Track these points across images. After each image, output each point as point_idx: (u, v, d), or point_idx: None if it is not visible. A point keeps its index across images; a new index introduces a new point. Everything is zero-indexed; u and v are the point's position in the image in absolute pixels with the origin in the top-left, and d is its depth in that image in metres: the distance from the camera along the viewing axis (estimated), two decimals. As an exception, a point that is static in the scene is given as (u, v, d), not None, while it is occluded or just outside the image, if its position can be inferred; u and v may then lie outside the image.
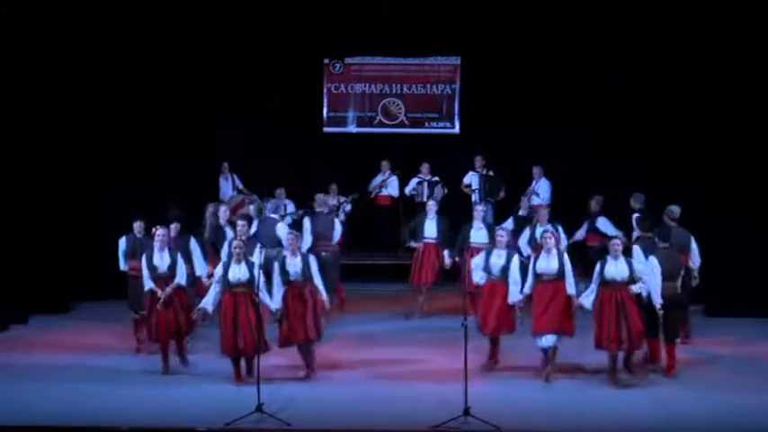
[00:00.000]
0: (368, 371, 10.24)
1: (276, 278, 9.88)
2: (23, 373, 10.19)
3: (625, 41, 13.94)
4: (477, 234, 11.97)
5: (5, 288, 12.16)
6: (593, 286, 9.83)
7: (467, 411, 8.56)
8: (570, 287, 9.85)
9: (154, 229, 10.38)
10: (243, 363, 9.87)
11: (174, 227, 11.22)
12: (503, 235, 10.30)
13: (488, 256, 10.24)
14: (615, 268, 9.71)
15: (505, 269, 10.03)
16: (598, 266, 9.83)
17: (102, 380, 9.91)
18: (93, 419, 8.64)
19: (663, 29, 13.66)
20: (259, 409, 8.65)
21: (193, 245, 11.19)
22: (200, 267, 10.88)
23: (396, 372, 10.24)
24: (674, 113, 13.57)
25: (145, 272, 10.16)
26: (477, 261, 10.34)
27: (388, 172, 14.95)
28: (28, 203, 12.74)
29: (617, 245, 9.78)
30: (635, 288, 9.67)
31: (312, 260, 10.05)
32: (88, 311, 13.29)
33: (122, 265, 11.09)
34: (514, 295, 9.97)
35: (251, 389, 8.88)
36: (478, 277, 10.25)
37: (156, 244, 10.13)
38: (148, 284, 10.13)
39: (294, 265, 9.87)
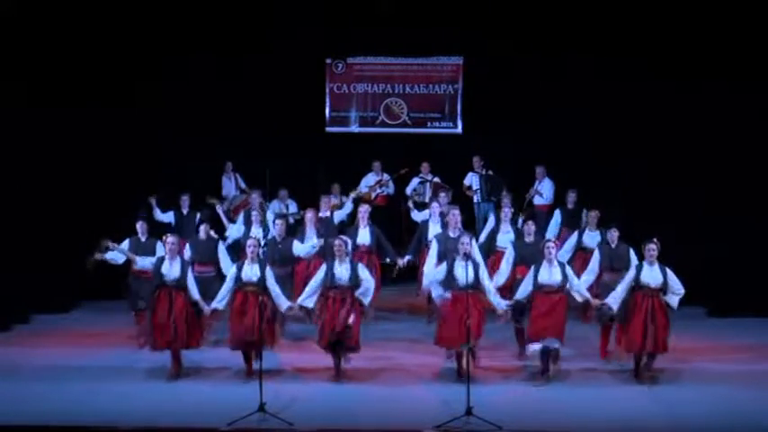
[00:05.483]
0: (370, 371, 10.21)
1: (315, 279, 9.94)
2: (25, 372, 10.19)
3: (627, 40, 13.92)
4: (505, 237, 11.60)
5: (7, 287, 12.16)
6: (622, 290, 9.85)
7: (469, 411, 8.57)
8: (580, 294, 9.90)
9: (164, 237, 10.38)
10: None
11: (203, 228, 11.33)
12: (466, 242, 9.75)
13: (451, 266, 9.82)
14: (650, 274, 9.75)
15: (472, 280, 9.54)
16: (633, 271, 9.85)
17: (104, 379, 9.91)
18: (94, 419, 8.65)
19: (665, 30, 13.66)
20: (261, 408, 8.66)
21: (221, 247, 11.26)
22: (227, 269, 10.68)
23: (398, 372, 10.23)
24: (674, 111, 13.56)
25: (150, 270, 10.22)
26: (435, 275, 9.94)
27: (380, 172, 14.93)
28: (29, 202, 12.73)
29: (652, 250, 9.77)
30: (670, 299, 9.75)
31: (361, 268, 9.99)
32: (89, 310, 13.31)
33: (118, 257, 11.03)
34: (501, 304, 9.85)
35: (253, 388, 8.88)
36: (436, 292, 9.88)
37: (167, 252, 10.11)
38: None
39: (342, 270, 9.84)
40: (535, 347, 9.75)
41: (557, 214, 12.91)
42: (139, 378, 10.00)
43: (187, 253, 11.11)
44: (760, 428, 8.59)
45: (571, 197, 13.10)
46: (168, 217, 12.86)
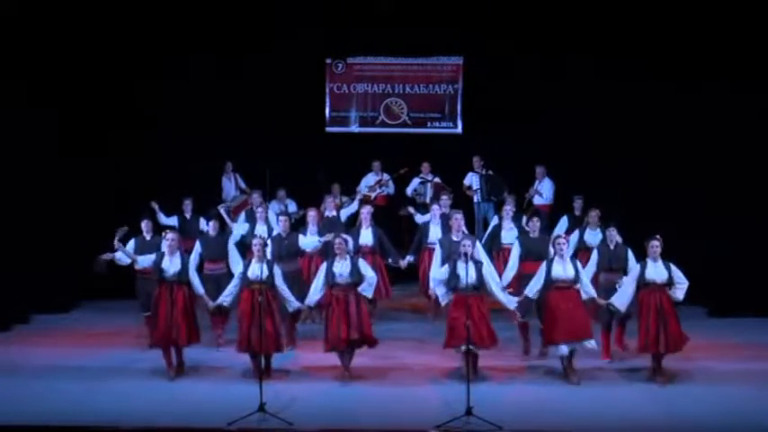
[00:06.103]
0: (371, 370, 10.21)
1: (318, 279, 9.94)
2: (24, 372, 10.20)
3: (627, 40, 13.92)
4: (509, 235, 11.66)
5: (7, 287, 12.16)
6: (629, 288, 9.82)
7: (469, 411, 8.56)
8: (586, 292, 9.85)
9: (164, 233, 10.38)
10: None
11: (212, 224, 11.40)
12: (468, 244, 9.68)
13: (453, 267, 9.75)
14: (654, 270, 9.73)
15: (477, 280, 9.56)
16: (638, 268, 9.83)
17: (104, 379, 9.92)
18: (94, 419, 8.65)
19: (665, 30, 13.65)
20: (261, 408, 8.66)
21: (230, 243, 11.30)
22: (235, 266, 10.75)
23: (399, 371, 10.23)
24: (674, 111, 13.55)
25: (151, 269, 10.19)
26: (439, 275, 9.91)
27: (380, 172, 14.92)
28: (29, 202, 12.74)
29: (655, 246, 9.74)
30: (675, 293, 9.72)
31: (362, 263, 10.01)
32: (89, 310, 13.32)
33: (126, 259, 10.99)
34: (511, 302, 9.85)
35: (253, 388, 8.87)
36: (441, 293, 9.86)
37: (167, 248, 10.11)
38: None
39: (342, 268, 9.85)
40: (564, 350, 9.72)
41: (564, 221, 12.76)
42: (139, 378, 9.99)
43: (197, 250, 11.14)
44: (760, 428, 8.58)
45: (578, 203, 12.93)
46: (172, 221, 12.84)
